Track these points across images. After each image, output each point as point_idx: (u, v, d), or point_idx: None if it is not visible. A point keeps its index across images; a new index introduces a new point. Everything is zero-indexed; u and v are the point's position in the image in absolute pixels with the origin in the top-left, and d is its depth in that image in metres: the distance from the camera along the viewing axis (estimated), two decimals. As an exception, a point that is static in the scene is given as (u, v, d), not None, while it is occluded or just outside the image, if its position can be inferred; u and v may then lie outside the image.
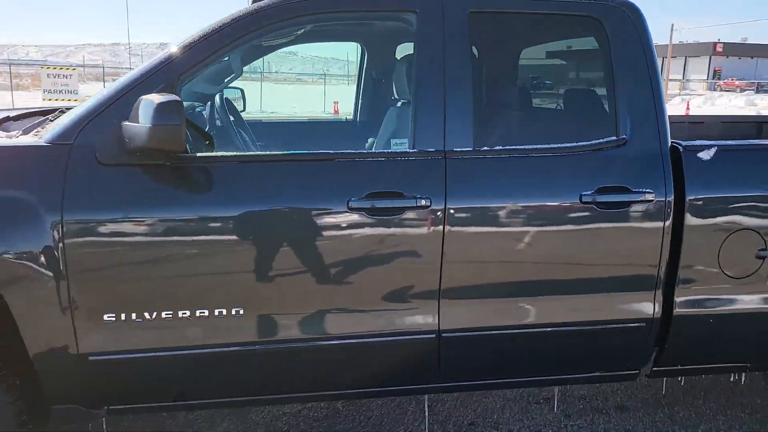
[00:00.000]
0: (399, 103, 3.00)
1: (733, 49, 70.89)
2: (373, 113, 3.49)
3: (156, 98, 1.79)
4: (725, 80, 58.38)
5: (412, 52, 2.33)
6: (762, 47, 77.30)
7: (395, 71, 2.76)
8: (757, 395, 3.19)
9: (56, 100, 22.35)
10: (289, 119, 5.85)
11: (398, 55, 3.50)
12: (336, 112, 11.63)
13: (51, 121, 2.38)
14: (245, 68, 2.84)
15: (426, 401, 2.95)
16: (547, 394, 3.14)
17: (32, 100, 23.98)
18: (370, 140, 3.04)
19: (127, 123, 1.88)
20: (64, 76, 22.74)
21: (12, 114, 2.74)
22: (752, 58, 75.37)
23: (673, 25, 44.00)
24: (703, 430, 2.84)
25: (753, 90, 47.88)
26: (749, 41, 79.09)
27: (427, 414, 2.88)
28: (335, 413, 2.94)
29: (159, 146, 1.78)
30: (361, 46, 3.51)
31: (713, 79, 61.21)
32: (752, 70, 72.62)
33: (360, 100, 3.62)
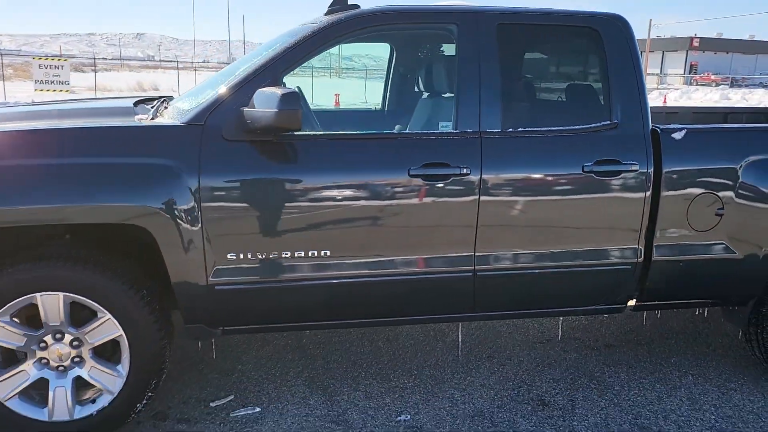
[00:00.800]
0: (425, 95, 3.65)
1: (709, 44, 72.34)
2: (400, 104, 4.11)
3: (276, 90, 2.41)
4: (701, 74, 59.65)
5: (437, 54, 2.96)
6: (737, 42, 78.87)
7: (434, 69, 3.39)
8: (718, 336, 3.91)
9: (48, 90, 22.59)
10: (324, 108, 6.46)
11: (420, 55, 4.13)
12: (337, 104, 12.20)
13: (165, 108, 2.99)
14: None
15: (459, 331, 3.63)
16: (548, 335, 3.83)
17: (20, 91, 24.13)
18: (397, 126, 3.67)
19: (248, 109, 2.49)
20: (55, 66, 22.99)
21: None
22: (727, 52, 76.92)
23: (651, 20, 45.06)
24: (674, 361, 3.54)
25: (728, 84, 49.22)
26: (724, 36, 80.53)
27: (460, 341, 3.57)
28: (377, 349, 3.59)
29: (281, 126, 2.40)
30: (391, 47, 4.12)
31: (690, 73, 62.50)
32: (727, 65, 74.14)
33: (388, 93, 4.24)
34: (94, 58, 29.48)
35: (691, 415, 2.98)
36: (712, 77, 56.66)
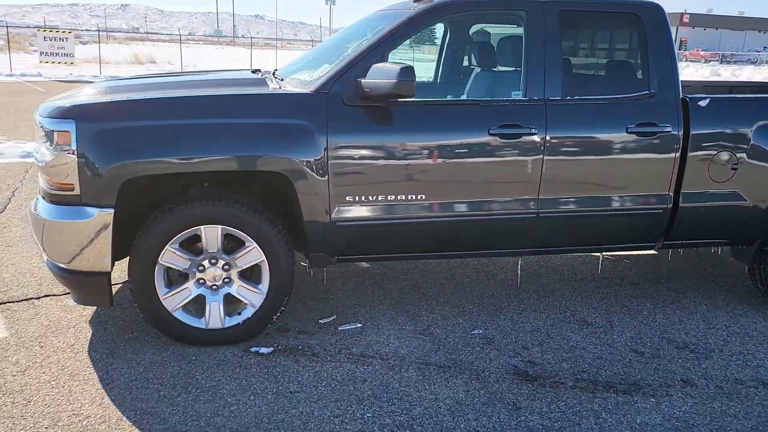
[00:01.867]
0: (478, 69, 4.26)
1: (699, 20, 72.78)
2: (452, 76, 4.72)
3: (393, 65, 3.03)
4: (691, 51, 60.25)
5: (509, 35, 3.57)
6: (726, 18, 79.29)
7: (498, 47, 4.01)
8: (725, 276, 4.64)
9: (53, 62, 22.77)
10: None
11: (476, 36, 4.72)
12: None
13: (281, 79, 3.61)
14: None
15: (519, 264, 4.34)
16: (581, 276, 4.52)
17: (17, 63, 24.18)
18: (449, 96, 4.28)
19: (366, 80, 3.10)
20: (60, 39, 23.13)
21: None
22: (717, 29, 77.37)
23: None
24: (689, 294, 4.24)
25: (717, 61, 49.90)
26: (714, 12, 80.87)
27: (519, 273, 4.29)
28: (441, 285, 4.27)
29: (399, 93, 3.02)
30: (445, 27, 4.71)
31: (680, 49, 63.06)
32: (716, 41, 74.61)
33: (441, 67, 4.84)
34: (98, 31, 29.30)
35: (707, 332, 3.69)
36: (702, 53, 57.30)
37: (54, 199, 3.05)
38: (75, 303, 3.32)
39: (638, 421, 2.77)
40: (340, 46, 3.87)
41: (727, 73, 33.24)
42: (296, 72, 3.73)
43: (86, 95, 3.29)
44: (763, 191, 3.72)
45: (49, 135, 3.01)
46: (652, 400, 2.94)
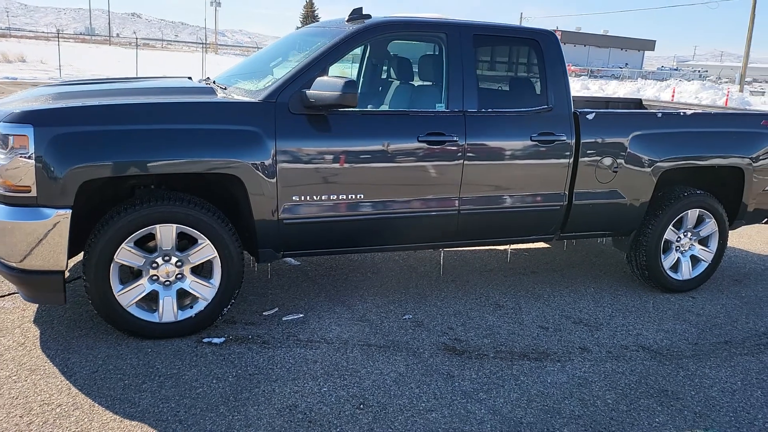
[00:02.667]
0: (398, 83, 4.73)
1: (570, 37, 78.53)
2: (371, 88, 5.15)
3: (336, 78, 3.39)
4: (563, 65, 64.69)
5: (431, 54, 4.07)
6: (593, 36, 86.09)
7: (420, 64, 4.47)
8: (607, 265, 5.40)
9: None
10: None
11: (395, 53, 5.17)
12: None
13: (223, 88, 3.86)
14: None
15: (441, 257, 4.82)
16: (490, 267, 5.10)
17: None
18: (369, 106, 4.72)
19: (311, 91, 3.44)
20: None
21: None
22: (585, 45, 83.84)
23: (522, 14, 48.58)
24: (580, 280, 4.94)
25: (586, 75, 54.25)
26: (583, 31, 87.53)
27: (442, 262, 4.76)
28: (368, 278, 4.67)
29: (344, 104, 3.38)
30: (365, 45, 5.12)
31: (553, 63, 67.18)
32: (585, 57, 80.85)
33: (361, 80, 5.25)
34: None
35: (596, 309, 4.36)
36: (572, 68, 61.96)
37: (8, 201, 3.12)
38: (25, 301, 3.38)
39: (548, 381, 3.31)
40: (276, 58, 4.18)
41: (595, 87, 36.38)
42: (238, 81, 3.99)
43: (38, 101, 3.37)
44: (637, 190, 4.45)
45: (2, 139, 3.09)
46: (558, 364, 3.51)
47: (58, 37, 27.53)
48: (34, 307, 3.77)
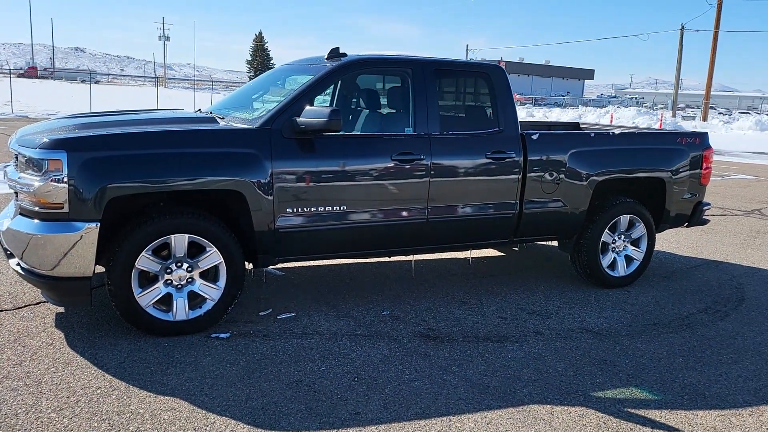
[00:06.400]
0: (368, 112, 5.39)
1: (514, 67, 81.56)
2: (344, 116, 5.79)
3: (322, 107, 4.02)
4: (509, 94, 67.10)
5: (399, 85, 4.76)
6: (536, 66, 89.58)
7: (388, 94, 5.14)
8: (555, 267, 6.13)
9: None
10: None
11: (363, 86, 5.84)
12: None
13: (221, 117, 4.43)
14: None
15: (413, 262, 5.43)
16: (453, 272, 5.75)
17: None
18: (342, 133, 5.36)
19: (301, 118, 4.05)
20: None
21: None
22: (528, 75, 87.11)
23: (468, 45, 50.63)
24: (532, 280, 5.63)
25: (531, 103, 56.52)
26: (526, 61, 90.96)
27: (413, 266, 5.37)
28: (347, 284, 5.25)
29: (329, 129, 4.00)
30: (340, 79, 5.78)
31: (499, 92, 69.61)
32: (528, 86, 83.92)
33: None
34: None
35: (547, 302, 5.05)
36: (518, 96, 64.40)
37: (42, 217, 3.60)
38: (53, 304, 3.83)
39: (509, 356, 3.95)
40: (262, 90, 4.79)
41: (540, 114, 38.14)
42: (231, 111, 4.58)
43: (63, 131, 3.86)
44: (577, 200, 5.20)
45: (37, 163, 3.58)
46: (516, 344, 4.15)
47: (10, 74, 27.31)
48: (53, 314, 4.20)
